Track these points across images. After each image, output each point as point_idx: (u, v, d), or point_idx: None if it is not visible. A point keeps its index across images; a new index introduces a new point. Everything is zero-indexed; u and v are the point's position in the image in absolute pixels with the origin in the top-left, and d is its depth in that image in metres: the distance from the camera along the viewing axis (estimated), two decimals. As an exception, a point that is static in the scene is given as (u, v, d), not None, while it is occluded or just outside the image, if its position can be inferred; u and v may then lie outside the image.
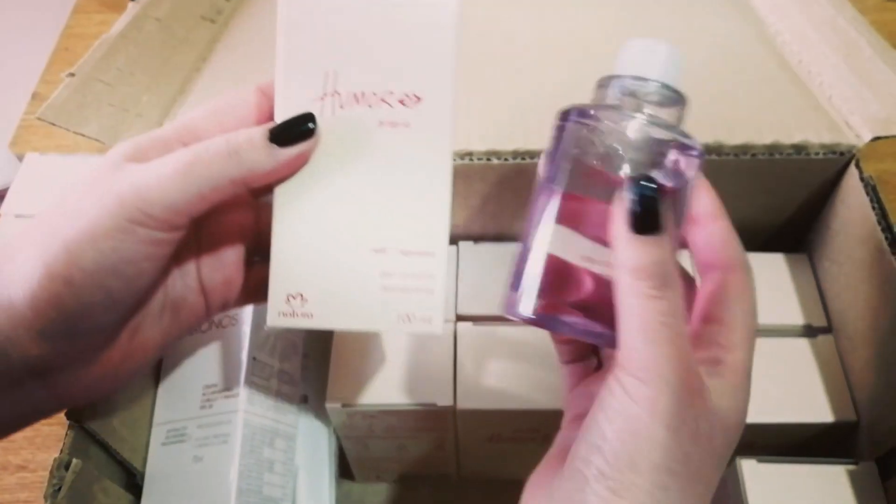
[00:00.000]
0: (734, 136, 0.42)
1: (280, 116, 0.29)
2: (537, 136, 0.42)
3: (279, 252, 0.29)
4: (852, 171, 0.42)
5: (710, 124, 0.43)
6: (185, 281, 0.31)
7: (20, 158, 0.48)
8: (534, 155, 0.42)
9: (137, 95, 0.46)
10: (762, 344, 0.44)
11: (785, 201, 0.46)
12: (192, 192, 0.27)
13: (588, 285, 0.26)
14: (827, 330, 0.43)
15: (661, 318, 0.23)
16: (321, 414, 0.45)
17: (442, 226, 0.29)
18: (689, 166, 0.27)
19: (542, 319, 0.27)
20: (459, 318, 0.44)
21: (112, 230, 0.26)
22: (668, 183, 0.26)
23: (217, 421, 0.39)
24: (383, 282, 0.29)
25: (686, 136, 0.27)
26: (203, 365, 0.40)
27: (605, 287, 0.25)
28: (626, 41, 0.29)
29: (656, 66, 0.28)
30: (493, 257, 0.47)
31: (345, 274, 0.29)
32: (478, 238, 0.48)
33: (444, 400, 0.40)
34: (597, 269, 0.26)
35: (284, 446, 0.42)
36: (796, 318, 0.44)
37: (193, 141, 0.29)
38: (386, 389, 0.41)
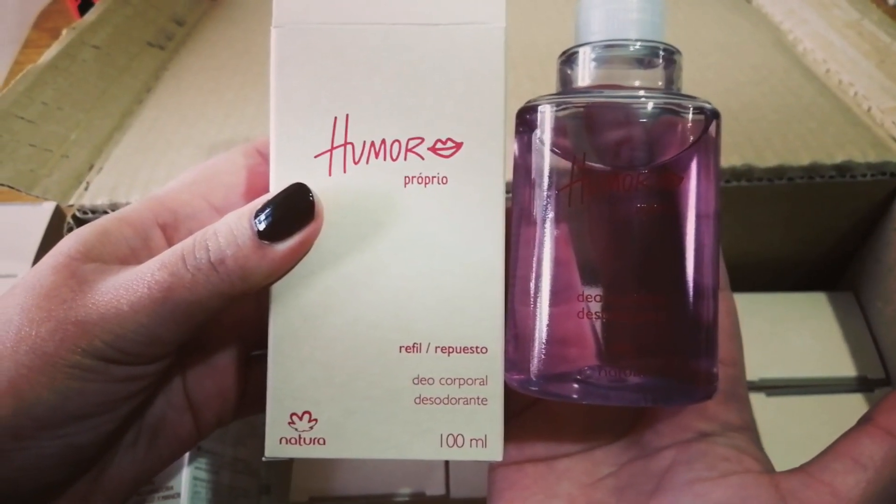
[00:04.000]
0: (766, 159, 0.36)
1: (276, 179, 0.22)
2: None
3: (278, 359, 0.22)
4: (906, 195, 0.36)
5: (735, 145, 0.36)
6: (166, 397, 0.24)
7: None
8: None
9: (65, 133, 0.39)
10: (810, 402, 0.37)
11: (826, 231, 0.39)
12: (178, 320, 0.20)
13: (642, 333, 0.21)
14: (885, 382, 0.37)
15: None
16: (287, 507, 0.38)
17: (495, 311, 0.22)
18: (701, 128, 0.21)
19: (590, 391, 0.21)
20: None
21: (76, 369, 0.19)
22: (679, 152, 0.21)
23: (155, 527, 0.31)
24: (418, 391, 0.22)
25: (689, 97, 0.21)
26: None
27: (659, 330, 0.20)
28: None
29: (631, 20, 0.21)
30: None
31: (365, 384, 0.22)
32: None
33: (435, 488, 0.34)
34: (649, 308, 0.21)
35: (243, 549, 0.35)
36: (847, 368, 0.37)
37: (172, 222, 0.23)
38: (363, 477, 0.34)
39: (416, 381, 0.22)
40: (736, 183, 0.35)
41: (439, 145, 0.22)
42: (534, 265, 0.21)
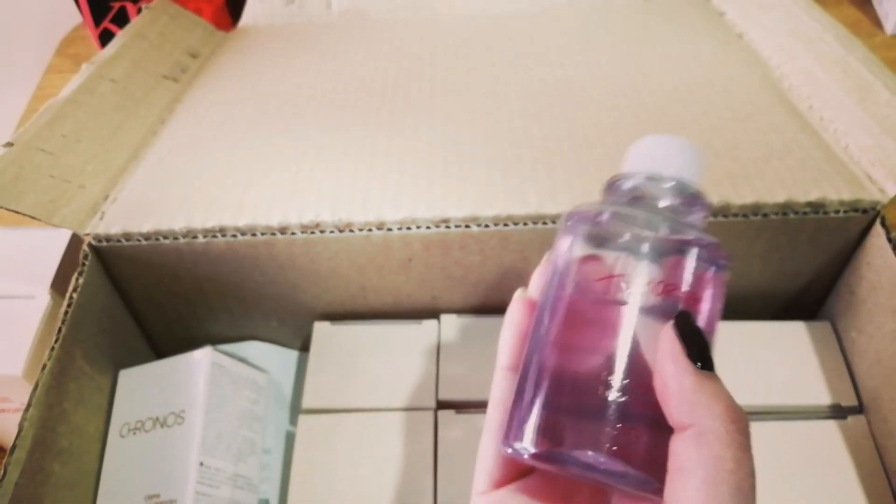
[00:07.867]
0: (742, 195, 0.37)
1: None
2: (520, 199, 0.38)
3: None
4: (877, 231, 0.37)
5: (713, 181, 0.38)
6: None
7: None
8: (517, 220, 0.38)
9: (82, 165, 0.42)
10: (785, 428, 0.39)
11: (801, 265, 0.41)
12: None
13: (610, 416, 0.22)
14: (858, 410, 0.38)
15: (746, 480, 0.19)
16: (285, 521, 0.40)
17: None
18: (709, 278, 0.23)
19: (548, 455, 0.22)
20: (441, 405, 0.39)
21: None
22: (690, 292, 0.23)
23: (160, 537, 0.33)
24: None
25: (712, 241, 0.23)
26: (145, 470, 0.35)
27: (632, 419, 0.21)
28: (637, 139, 0.26)
29: (673, 161, 0.25)
30: (477, 333, 0.42)
31: None
32: (460, 311, 0.43)
33: (423, 506, 0.35)
34: (616, 395, 0.22)
35: (243, 560, 0.37)
36: (822, 396, 0.38)
37: None
38: (358, 496, 0.36)
39: None
40: (713, 218, 0.37)
41: None
42: (548, 347, 0.23)
